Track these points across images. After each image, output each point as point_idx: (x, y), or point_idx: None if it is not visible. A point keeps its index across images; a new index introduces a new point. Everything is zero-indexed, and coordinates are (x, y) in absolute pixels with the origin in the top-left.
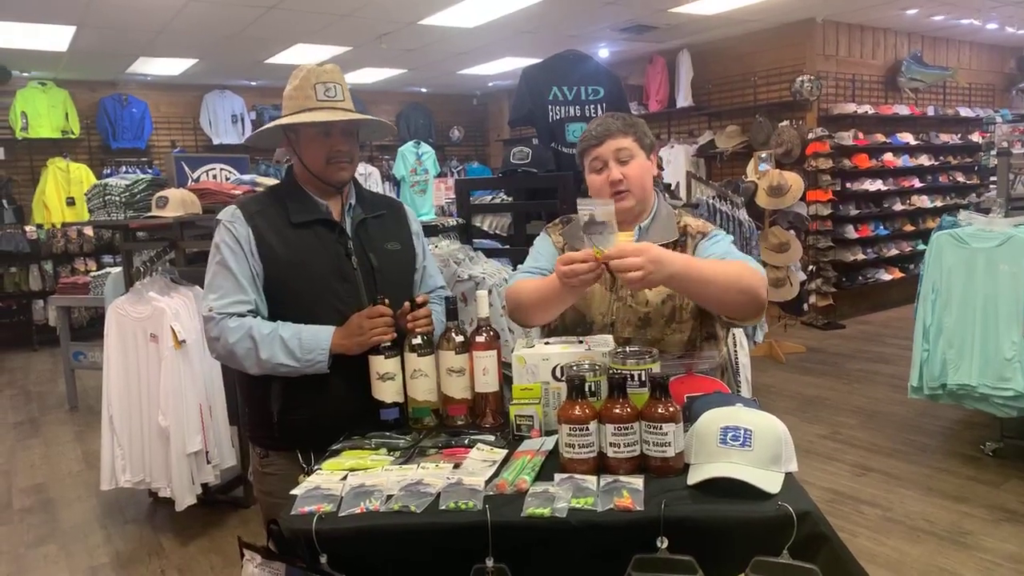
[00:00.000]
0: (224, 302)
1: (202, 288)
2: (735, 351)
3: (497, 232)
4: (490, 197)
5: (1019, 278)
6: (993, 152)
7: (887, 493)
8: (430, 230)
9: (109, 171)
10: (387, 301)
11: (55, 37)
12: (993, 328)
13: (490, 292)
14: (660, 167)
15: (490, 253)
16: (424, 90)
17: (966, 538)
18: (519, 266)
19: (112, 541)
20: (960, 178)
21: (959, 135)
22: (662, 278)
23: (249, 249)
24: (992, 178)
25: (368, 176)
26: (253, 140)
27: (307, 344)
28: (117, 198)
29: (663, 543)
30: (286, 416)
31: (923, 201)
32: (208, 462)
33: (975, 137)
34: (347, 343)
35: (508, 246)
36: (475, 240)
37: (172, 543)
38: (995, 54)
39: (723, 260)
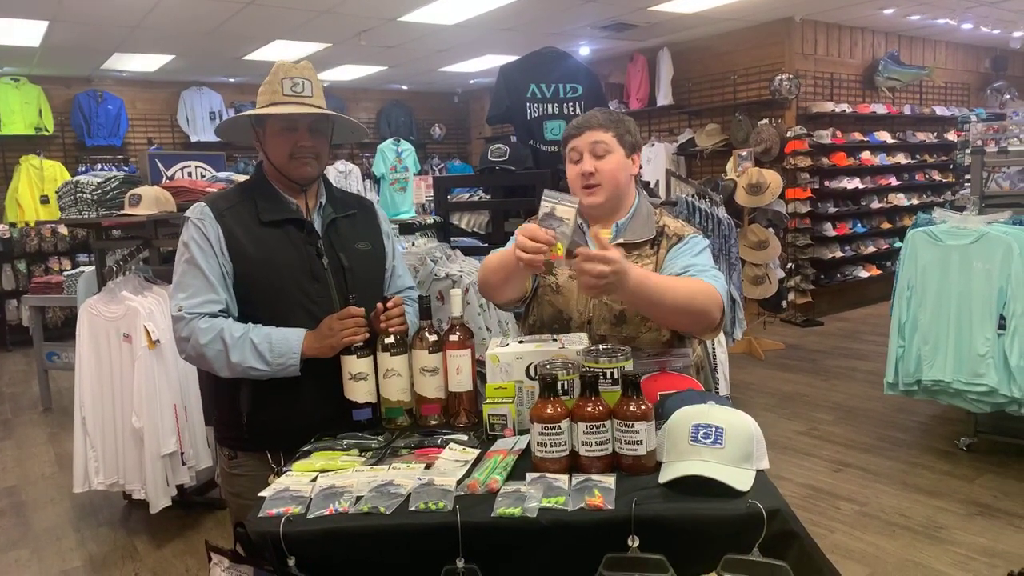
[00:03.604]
0: (194, 301)
1: None
2: (714, 348)
3: (475, 230)
4: (468, 195)
5: (992, 275)
6: (968, 150)
7: (863, 488)
8: (408, 228)
9: (84, 168)
10: (358, 301)
11: (27, 32)
12: (967, 324)
13: (467, 290)
14: (639, 165)
15: (468, 251)
16: (405, 87)
17: (940, 532)
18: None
19: (85, 544)
20: (936, 176)
21: (935, 134)
22: (622, 289)
23: (219, 248)
24: (967, 176)
25: (348, 174)
26: (221, 133)
27: (278, 348)
28: (89, 196)
29: (634, 542)
30: (256, 418)
31: (900, 199)
32: (183, 463)
33: (950, 136)
34: (319, 346)
35: (486, 244)
36: (453, 238)
37: (146, 546)
38: (970, 54)
39: (681, 277)
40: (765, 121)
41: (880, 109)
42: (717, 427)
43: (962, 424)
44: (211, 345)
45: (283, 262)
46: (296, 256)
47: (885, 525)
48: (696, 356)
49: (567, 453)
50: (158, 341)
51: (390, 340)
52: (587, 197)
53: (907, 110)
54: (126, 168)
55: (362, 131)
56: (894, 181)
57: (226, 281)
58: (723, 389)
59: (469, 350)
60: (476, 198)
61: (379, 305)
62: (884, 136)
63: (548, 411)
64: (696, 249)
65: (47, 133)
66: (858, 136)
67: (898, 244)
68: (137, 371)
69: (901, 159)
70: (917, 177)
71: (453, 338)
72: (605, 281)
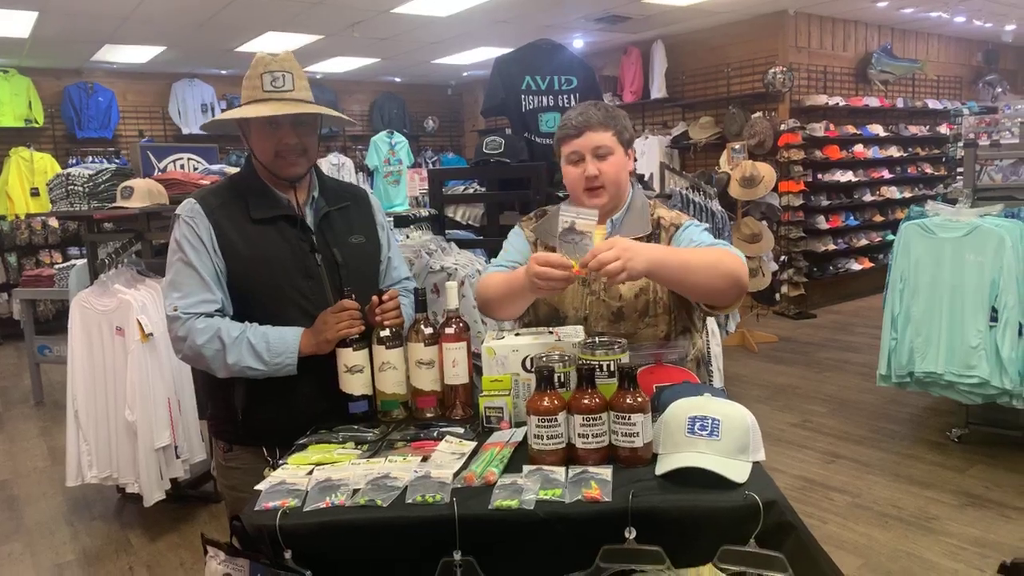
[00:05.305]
0: (190, 301)
1: None
2: (707, 340)
3: (470, 223)
4: (463, 187)
5: (984, 267)
6: (960, 144)
7: (856, 480)
8: (403, 220)
9: (75, 161)
10: (353, 295)
11: (16, 23)
12: (959, 316)
13: (462, 283)
14: (634, 158)
15: (463, 244)
16: (398, 80)
17: (932, 523)
18: (493, 260)
19: (79, 538)
20: (928, 169)
21: (927, 127)
22: (642, 267)
23: (212, 246)
24: (959, 169)
25: (341, 166)
26: (209, 129)
27: (275, 347)
28: (80, 188)
29: (631, 533)
30: (251, 413)
31: (892, 192)
32: (177, 456)
33: (943, 129)
34: (316, 342)
35: (481, 236)
36: (448, 231)
37: (140, 539)
38: (962, 47)
39: (700, 248)
40: (759, 114)
41: (873, 102)
42: (713, 419)
43: (954, 416)
44: (208, 345)
45: (276, 260)
46: (289, 253)
47: (877, 516)
48: (696, 350)
49: (564, 445)
50: (151, 334)
51: (385, 333)
52: (591, 199)
53: (900, 103)
54: (117, 160)
55: (346, 120)
56: (887, 174)
57: (220, 280)
58: (716, 382)
59: (465, 343)
60: (471, 191)
61: (374, 298)
62: (877, 129)
63: (545, 403)
64: (698, 231)
65: (37, 125)
66: (851, 129)
67: (890, 237)
68: (130, 364)
69: (894, 152)
70: (909, 170)
71: (449, 331)
72: (620, 262)
